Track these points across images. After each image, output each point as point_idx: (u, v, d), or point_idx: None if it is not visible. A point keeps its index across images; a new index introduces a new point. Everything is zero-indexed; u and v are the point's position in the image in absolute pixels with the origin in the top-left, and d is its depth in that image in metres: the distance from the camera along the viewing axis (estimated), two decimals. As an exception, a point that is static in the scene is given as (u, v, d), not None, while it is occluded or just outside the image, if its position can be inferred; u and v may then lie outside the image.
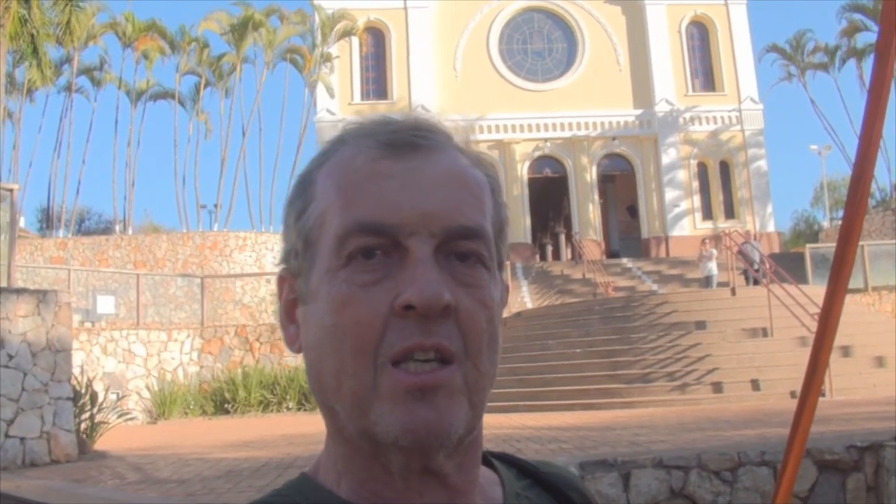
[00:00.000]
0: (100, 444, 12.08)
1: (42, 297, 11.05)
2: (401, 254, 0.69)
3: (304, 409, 18.65)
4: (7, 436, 10.20)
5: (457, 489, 0.73)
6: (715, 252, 22.01)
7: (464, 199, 0.73)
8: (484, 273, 0.72)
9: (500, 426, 11.73)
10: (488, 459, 0.83)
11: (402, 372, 0.67)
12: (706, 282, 21.96)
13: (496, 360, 0.73)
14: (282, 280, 0.78)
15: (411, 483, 0.71)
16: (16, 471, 9.93)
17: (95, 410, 12.51)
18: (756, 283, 19.32)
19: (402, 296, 0.67)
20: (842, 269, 1.54)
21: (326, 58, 33.42)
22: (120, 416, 13.68)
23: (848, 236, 1.50)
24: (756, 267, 19.55)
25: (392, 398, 0.66)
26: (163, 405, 18.50)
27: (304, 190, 0.76)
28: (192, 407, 18.81)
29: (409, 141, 0.73)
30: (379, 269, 0.69)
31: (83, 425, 11.92)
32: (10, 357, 10.41)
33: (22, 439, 10.32)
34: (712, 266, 21.72)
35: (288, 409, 18.72)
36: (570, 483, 0.87)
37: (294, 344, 0.76)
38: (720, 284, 21.05)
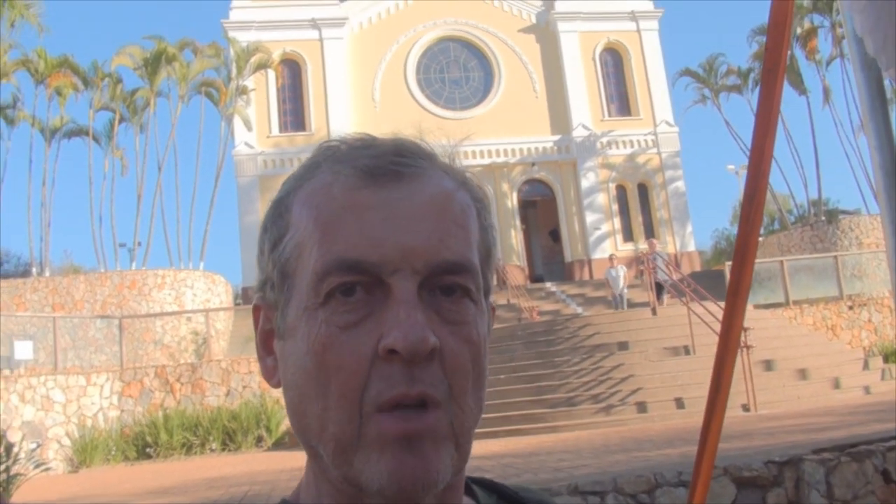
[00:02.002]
0: (16, 497, 11.66)
1: None
2: (383, 291, 0.66)
3: (228, 450, 18.29)
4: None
5: None
6: (623, 269, 22.25)
7: (448, 231, 0.69)
8: (470, 307, 0.69)
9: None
10: (469, 487, 0.81)
11: (388, 418, 0.64)
12: (618, 300, 22.11)
13: (482, 396, 0.71)
14: (257, 309, 0.75)
15: None
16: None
17: (11, 462, 12.05)
18: (659, 293, 19.57)
19: (385, 339, 0.64)
20: (739, 286, 1.53)
21: (242, 90, 33.11)
22: (37, 467, 13.20)
23: (744, 254, 1.49)
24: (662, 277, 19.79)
25: (378, 446, 0.64)
26: (84, 452, 17.92)
27: (279, 217, 0.72)
28: (113, 453, 18.28)
29: (389, 169, 0.69)
30: (360, 308, 0.66)
31: (-1, 478, 11.47)
32: None
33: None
34: (621, 284, 21.89)
35: (212, 450, 18.32)
36: None
37: (272, 378, 0.73)
38: (639, 305, 21.31)
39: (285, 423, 19.21)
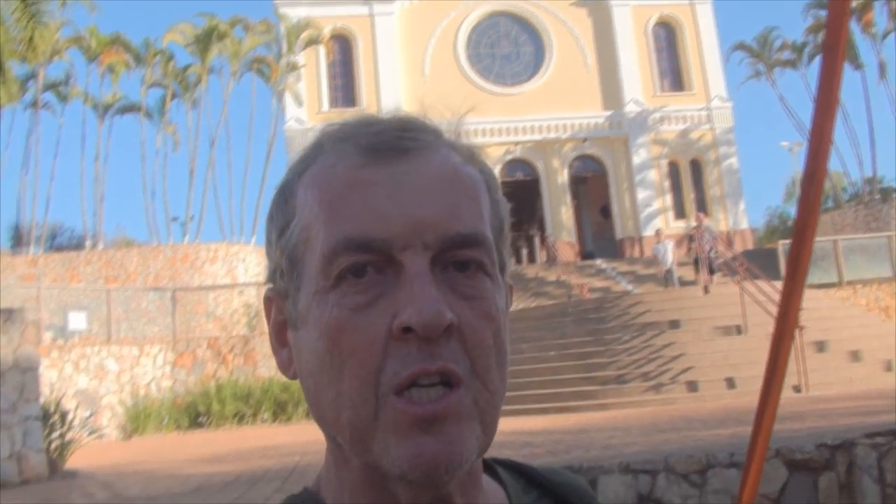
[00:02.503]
0: (71, 463, 11.93)
1: (8, 315, 10.90)
2: (395, 269, 0.63)
3: (280, 421, 18.53)
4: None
5: None
6: (671, 244, 21.90)
7: (459, 203, 0.66)
8: (486, 281, 0.66)
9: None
10: (494, 469, 0.78)
11: (406, 402, 0.61)
12: (666, 277, 21.81)
13: (506, 374, 0.68)
14: (269, 301, 0.72)
15: None
16: (-16, 493, 9.77)
17: (65, 429, 12.34)
18: (710, 270, 19.32)
19: (399, 317, 0.61)
20: (797, 266, 1.49)
21: (293, 67, 33.25)
22: (91, 434, 13.50)
23: (802, 234, 1.45)
24: (710, 252, 19.51)
25: (396, 431, 0.61)
26: (136, 420, 18.29)
27: (284, 203, 0.70)
28: (166, 422, 18.61)
29: (394, 144, 0.66)
30: (372, 289, 0.63)
31: (54, 444, 11.75)
32: None
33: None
34: (669, 259, 21.52)
35: (263, 420, 18.58)
36: (578, 492, 0.82)
37: (288, 369, 0.70)
38: (689, 283, 21.06)
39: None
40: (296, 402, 18.69)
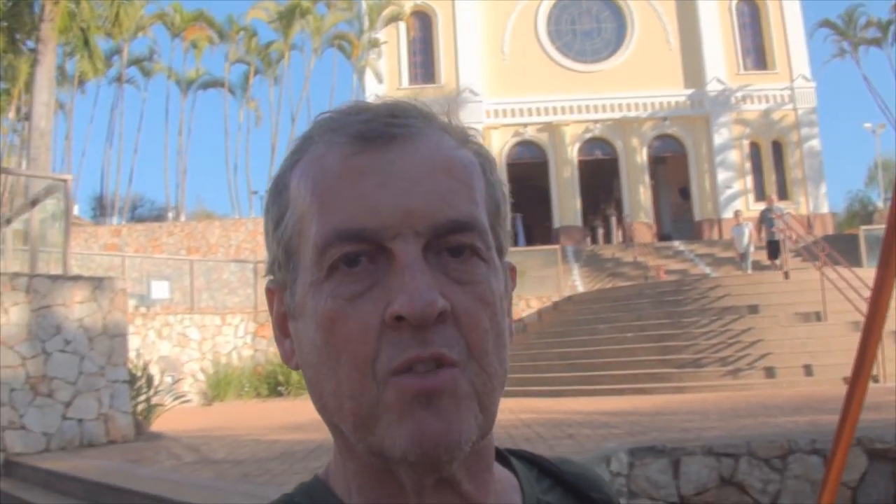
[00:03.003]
0: (156, 426, 12.30)
1: (98, 283, 11.27)
2: (387, 258, 0.63)
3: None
4: (65, 418, 10.44)
5: (470, 497, 0.68)
6: (749, 226, 21.39)
7: (450, 189, 0.66)
8: (481, 266, 0.66)
9: (549, 410, 11.72)
10: (507, 459, 0.79)
11: (403, 378, 0.61)
12: (742, 259, 21.39)
13: (505, 358, 0.68)
14: (270, 293, 0.72)
15: (424, 497, 0.66)
16: (74, 451, 10.19)
17: (151, 393, 12.74)
18: (773, 252, 18.97)
19: (391, 306, 0.61)
20: (891, 254, 1.52)
21: (374, 43, 33.50)
22: (175, 399, 13.90)
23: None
24: (775, 237, 19.12)
25: (398, 408, 0.61)
26: (217, 388, 18.77)
27: (278, 195, 0.70)
28: (246, 389, 19.06)
29: (383, 131, 0.66)
30: (365, 278, 0.63)
31: (139, 407, 12.16)
32: (67, 342, 10.64)
33: (79, 421, 10.57)
34: (746, 241, 21.03)
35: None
36: (593, 484, 0.83)
37: (291, 360, 0.71)
38: (766, 268, 20.67)
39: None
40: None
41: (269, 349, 20.11)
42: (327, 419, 0.67)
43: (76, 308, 10.82)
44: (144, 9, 31.13)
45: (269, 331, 20.14)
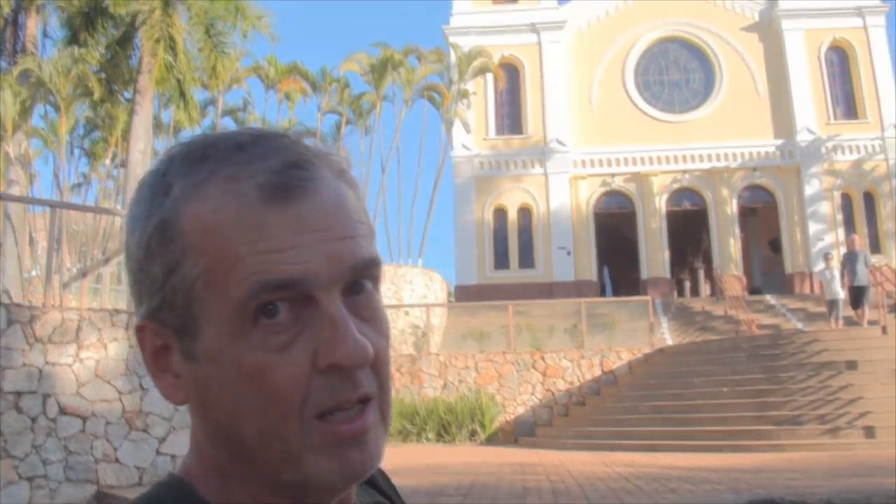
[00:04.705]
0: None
1: None
2: (309, 306, 0.65)
3: (443, 441, 18.87)
4: (159, 453, 10.67)
5: (348, 500, 0.74)
6: (839, 271, 20.48)
7: (356, 229, 0.68)
8: (378, 298, 0.70)
9: (645, 465, 11.61)
10: None
11: (332, 424, 0.65)
12: (830, 307, 20.43)
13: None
14: (142, 329, 0.71)
15: None
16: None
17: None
18: (856, 300, 18.29)
19: (328, 357, 0.64)
20: None
21: (463, 94, 34.00)
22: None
23: None
24: (860, 282, 18.40)
25: (326, 451, 0.65)
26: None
27: (167, 242, 0.67)
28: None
29: (293, 184, 0.66)
30: (291, 327, 0.65)
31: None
32: None
33: (173, 456, 10.80)
34: (837, 287, 20.14)
35: (427, 439, 18.98)
36: (388, 481, 0.92)
37: (175, 395, 0.71)
38: (851, 321, 19.95)
39: (499, 420, 19.65)
40: (459, 424, 19.03)
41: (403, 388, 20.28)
42: (236, 454, 0.68)
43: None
44: (240, 62, 32.14)
45: (398, 367, 20.40)
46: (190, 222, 0.66)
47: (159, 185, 0.69)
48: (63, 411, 8.08)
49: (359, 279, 0.67)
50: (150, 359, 0.71)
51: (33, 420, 7.88)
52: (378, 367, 0.68)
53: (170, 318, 0.68)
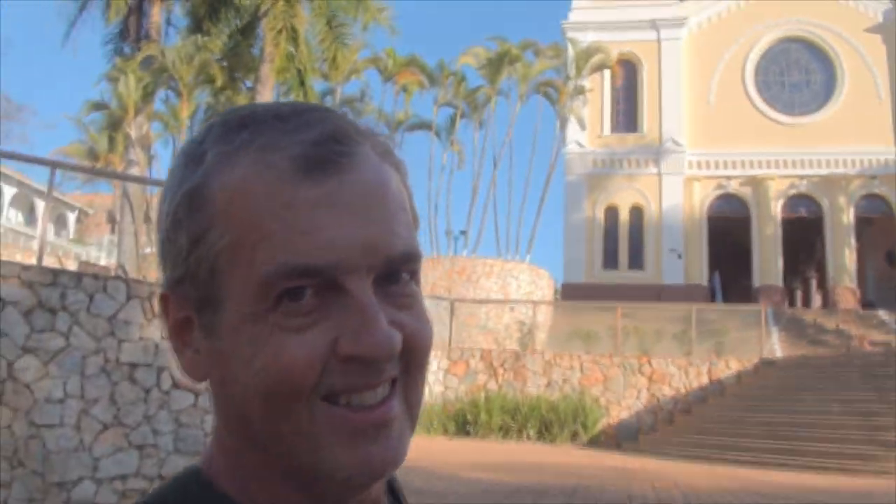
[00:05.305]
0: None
1: None
2: (336, 292, 0.61)
3: (544, 440, 19.03)
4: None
5: (378, 498, 0.70)
6: None
7: (396, 218, 0.64)
8: (416, 288, 0.65)
9: (752, 480, 11.60)
10: None
11: (345, 410, 0.61)
12: None
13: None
14: (166, 299, 0.68)
15: None
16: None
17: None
18: None
19: (351, 346, 0.60)
20: None
21: (579, 91, 33.89)
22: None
23: None
24: None
25: (340, 440, 0.61)
26: (407, 421, 19.32)
27: (196, 210, 0.64)
28: (434, 425, 19.57)
29: (330, 158, 0.62)
30: (313, 312, 0.61)
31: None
32: None
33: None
34: None
35: (528, 437, 19.17)
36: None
37: (195, 371, 0.67)
38: None
39: (603, 422, 19.69)
40: (561, 424, 19.16)
41: (460, 387, 20.65)
42: (248, 437, 0.65)
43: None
44: (359, 53, 32.73)
45: (460, 370, 20.72)
46: (218, 192, 0.63)
47: (195, 152, 0.66)
48: (176, 385, 8.49)
49: (398, 271, 0.63)
50: (173, 331, 0.69)
51: (147, 391, 8.30)
52: (416, 354, 0.64)
53: (192, 290, 0.65)
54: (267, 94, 18.66)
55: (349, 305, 0.60)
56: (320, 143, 0.62)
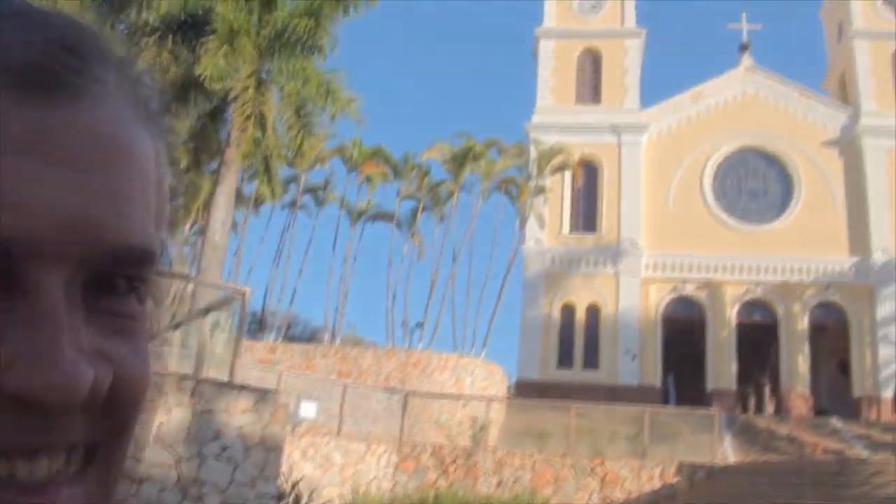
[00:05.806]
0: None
1: (262, 395, 11.59)
2: (7, 284, 0.39)
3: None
4: (211, 523, 10.66)
5: None
6: None
7: (130, 195, 0.42)
8: (142, 308, 0.45)
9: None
10: None
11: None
12: None
13: None
14: None
15: None
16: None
17: (296, 510, 12.91)
18: None
19: (16, 380, 0.37)
20: None
21: (540, 189, 34.44)
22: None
23: None
24: None
25: None
26: (355, 517, 18.80)
27: None
28: (382, 522, 19.07)
29: (57, 71, 0.40)
30: None
31: (285, 525, 12.35)
32: (224, 449, 10.87)
33: (225, 528, 10.76)
34: None
35: (479, 539, 18.72)
36: None
37: None
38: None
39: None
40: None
41: (409, 484, 20.20)
42: None
43: (237, 416, 11.03)
44: (325, 142, 33.02)
45: (410, 465, 20.32)
46: None
47: None
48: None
49: (112, 272, 0.42)
50: None
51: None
52: (120, 403, 0.42)
53: None
54: (231, 178, 18.64)
55: (23, 313, 0.39)
56: (51, 48, 0.40)
